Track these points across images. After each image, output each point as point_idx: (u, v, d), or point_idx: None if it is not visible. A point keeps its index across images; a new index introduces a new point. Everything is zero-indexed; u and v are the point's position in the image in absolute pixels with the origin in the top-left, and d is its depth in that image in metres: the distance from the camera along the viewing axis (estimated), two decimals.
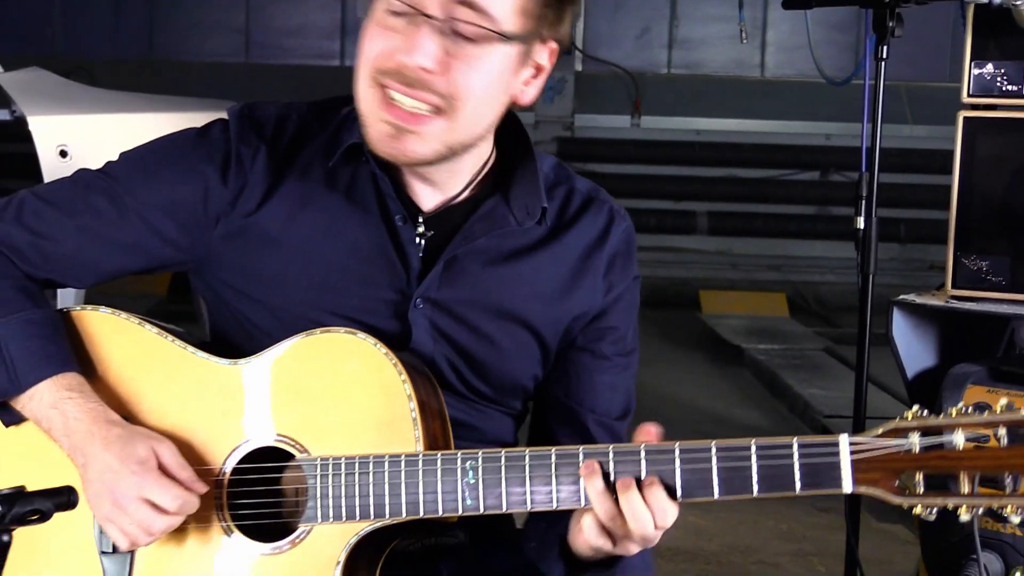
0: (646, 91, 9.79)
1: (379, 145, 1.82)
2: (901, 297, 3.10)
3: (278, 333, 1.86)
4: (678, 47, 10.33)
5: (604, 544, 1.72)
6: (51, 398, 1.84)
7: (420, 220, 1.91)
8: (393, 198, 1.89)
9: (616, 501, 1.68)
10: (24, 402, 1.86)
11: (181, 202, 1.90)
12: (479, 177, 1.93)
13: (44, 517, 1.56)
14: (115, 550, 1.84)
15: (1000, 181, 2.95)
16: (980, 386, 2.93)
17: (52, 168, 4.24)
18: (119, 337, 1.91)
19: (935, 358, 3.11)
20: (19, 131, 4.30)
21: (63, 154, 4.30)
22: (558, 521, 1.83)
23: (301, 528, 1.79)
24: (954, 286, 3.00)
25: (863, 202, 3.11)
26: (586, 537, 1.73)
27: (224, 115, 1.96)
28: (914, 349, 3.10)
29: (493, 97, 1.83)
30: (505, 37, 1.78)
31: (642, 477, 1.69)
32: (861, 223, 3.11)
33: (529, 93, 1.88)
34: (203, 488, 1.80)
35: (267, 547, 1.80)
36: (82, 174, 1.96)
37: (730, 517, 4.79)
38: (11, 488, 1.54)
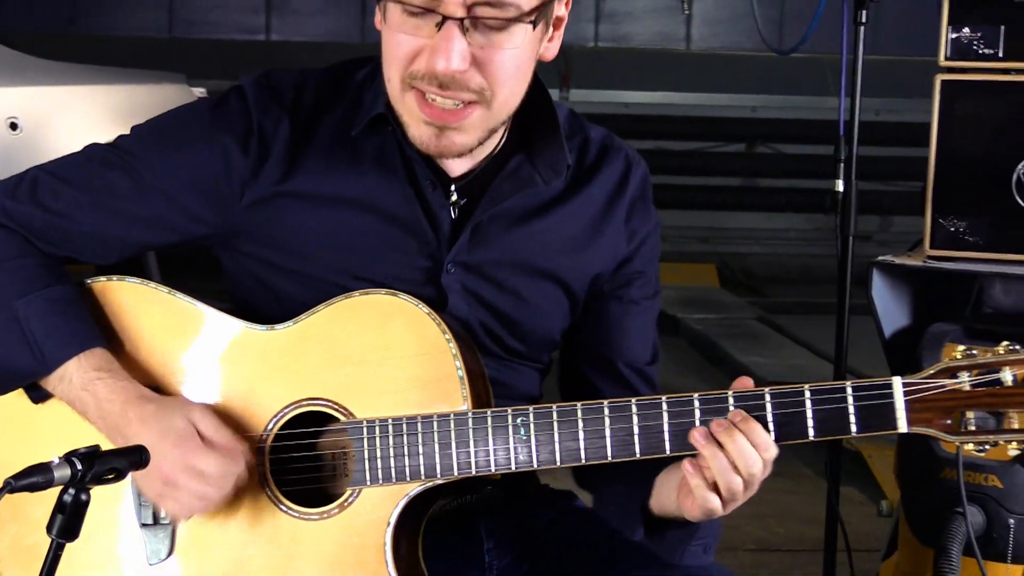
0: (574, 65, 9.81)
1: (424, 145, 1.82)
2: (880, 258, 3.14)
3: (310, 301, 1.84)
4: (605, 20, 10.38)
5: (712, 503, 1.71)
6: (81, 380, 1.81)
7: (452, 188, 1.90)
8: (421, 164, 1.88)
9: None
10: (54, 384, 1.83)
11: (203, 176, 1.87)
12: (504, 134, 1.93)
13: (119, 476, 1.55)
14: (156, 522, 1.82)
15: (977, 143, 2.99)
16: (956, 344, 2.98)
17: (2, 141, 4.16)
18: (149, 307, 1.88)
19: (911, 318, 3.16)
20: None
21: (13, 127, 4.21)
22: (638, 487, 1.85)
23: (349, 491, 1.78)
24: (932, 247, 3.04)
25: (841, 166, 3.16)
26: (686, 504, 1.74)
27: (238, 84, 1.93)
28: (891, 309, 3.14)
29: (525, 71, 1.83)
30: (530, 17, 1.78)
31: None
32: (840, 186, 3.15)
33: (553, 48, 1.88)
34: (242, 446, 1.78)
35: (314, 512, 1.79)
36: (95, 150, 1.92)
37: None
38: (87, 448, 1.52)
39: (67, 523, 1.49)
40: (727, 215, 9.98)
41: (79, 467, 1.49)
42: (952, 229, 3.04)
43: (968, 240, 3.03)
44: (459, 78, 1.76)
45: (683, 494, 1.75)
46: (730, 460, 1.68)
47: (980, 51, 2.99)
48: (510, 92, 1.81)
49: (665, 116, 9.86)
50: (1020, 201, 2.94)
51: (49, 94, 4.34)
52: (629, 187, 1.99)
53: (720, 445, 1.68)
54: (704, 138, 9.98)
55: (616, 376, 1.98)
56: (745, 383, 1.72)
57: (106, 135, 3.69)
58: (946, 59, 3.03)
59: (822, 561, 3.60)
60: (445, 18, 1.73)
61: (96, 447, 1.53)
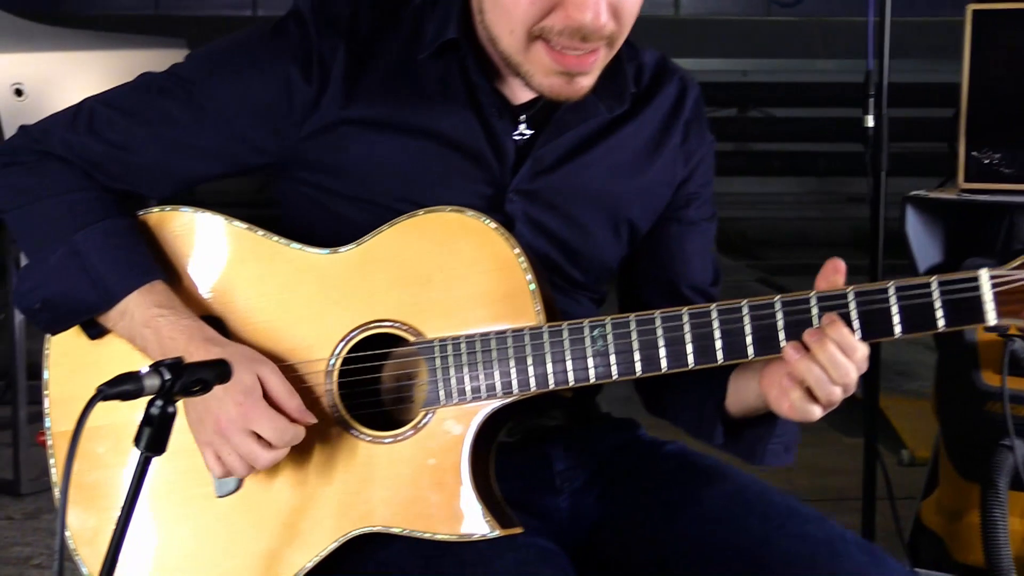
0: None
1: (555, 93, 1.79)
2: (913, 192, 3.12)
3: (372, 227, 1.79)
4: None
5: (814, 413, 1.68)
6: (142, 316, 1.76)
7: (522, 118, 1.87)
8: (487, 92, 1.84)
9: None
10: (114, 320, 1.79)
11: (263, 103, 1.82)
12: None
13: (205, 388, 1.50)
14: None
15: (1010, 74, 2.97)
16: None
17: (8, 107, 4.11)
18: (207, 235, 1.84)
19: (945, 252, 3.14)
20: None
21: (18, 92, 4.16)
22: (711, 390, 1.83)
23: (422, 412, 1.74)
24: (966, 179, 3.02)
25: (871, 100, 3.12)
26: (783, 406, 1.70)
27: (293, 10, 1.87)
28: (925, 243, 3.12)
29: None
30: None
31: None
32: (871, 121, 3.12)
33: None
34: (312, 419, 1.74)
35: (387, 435, 1.74)
36: (151, 78, 1.88)
37: None
38: (172, 359, 1.48)
39: (155, 436, 1.46)
40: (721, 180, 9.87)
41: (167, 377, 1.44)
42: (986, 161, 3.01)
43: (1003, 172, 3.00)
44: (599, 29, 1.73)
45: (776, 395, 1.71)
46: (825, 372, 1.65)
47: None
48: (627, 32, 1.80)
49: None
50: None
51: (53, 60, 4.31)
52: (684, 109, 1.97)
53: (813, 357, 1.65)
54: None
55: (681, 299, 1.94)
56: (836, 268, 1.68)
57: None
58: None
59: (847, 510, 3.59)
60: None
61: (180, 359, 1.49)
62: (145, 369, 1.46)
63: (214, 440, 1.74)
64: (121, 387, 1.44)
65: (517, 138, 1.86)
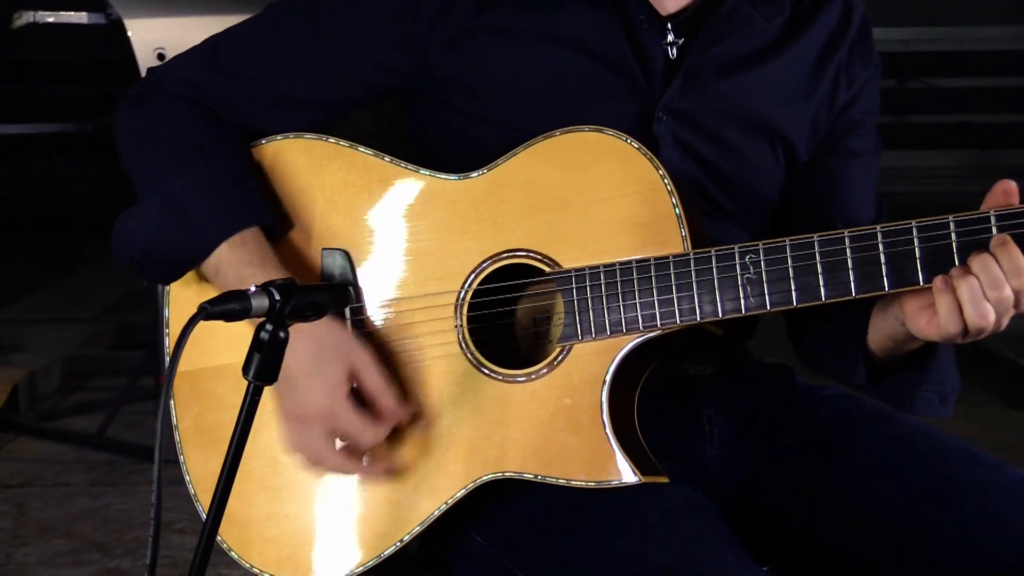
0: None
1: None
2: None
3: (504, 150, 1.66)
4: None
5: (954, 327, 1.50)
6: (234, 276, 1.65)
7: (669, 26, 1.72)
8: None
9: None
10: (210, 276, 1.69)
11: (391, 18, 1.71)
12: None
13: (319, 313, 1.38)
14: None
15: None
16: None
17: None
18: (329, 163, 1.72)
19: None
20: (116, 35, 4.16)
21: (161, 57, 4.14)
22: (853, 325, 1.68)
23: (558, 348, 1.60)
24: None
25: None
26: (920, 321, 1.54)
27: None
28: None
29: None
30: None
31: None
32: None
33: None
34: (405, 414, 1.63)
35: (520, 373, 1.61)
36: (274, 7, 1.78)
37: None
38: (283, 278, 1.36)
39: (264, 363, 1.34)
40: (883, 153, 9.58)
41: (277, 298, 1.33)
42: None
43: None
44: None
45: (917, 309, 1.55)
46: (982, 287, 1.47)
47: None
48: None
49: None
50: None
51: (194, 24, 4.28)
52: (850, 30, 1.81)
53: (974, 272, 1.48)
54: None
55: None
56: (1007, 190, 1.51)
57: None
58: None
59: None
60: None
61: (292, 279, 1.37)
62: (254, 288, 1.35)
63: (293, 419, 1.64)
64: (226, 305, 1.33)
65: (670, 48, 1.72)
